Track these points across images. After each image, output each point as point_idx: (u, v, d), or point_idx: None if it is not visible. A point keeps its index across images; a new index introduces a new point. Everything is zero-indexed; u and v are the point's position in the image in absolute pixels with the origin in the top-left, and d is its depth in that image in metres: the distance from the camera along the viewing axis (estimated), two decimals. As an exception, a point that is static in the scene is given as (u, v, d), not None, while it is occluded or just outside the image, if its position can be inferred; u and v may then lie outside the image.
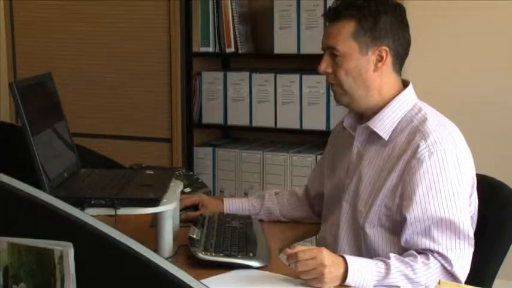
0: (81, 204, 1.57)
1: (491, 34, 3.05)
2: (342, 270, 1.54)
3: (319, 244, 1.89)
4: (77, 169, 1.90)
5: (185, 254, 1.69)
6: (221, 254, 1.63)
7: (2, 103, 3.64)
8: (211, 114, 3.29)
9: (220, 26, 3.23)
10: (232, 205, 2.03)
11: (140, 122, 3.42)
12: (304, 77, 3.08)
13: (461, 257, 1.60)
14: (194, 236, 1.70)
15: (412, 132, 1.67)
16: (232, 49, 3.22)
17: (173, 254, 1.70)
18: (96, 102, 3.49)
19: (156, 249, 1.67)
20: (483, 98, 3.07)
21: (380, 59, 1.69)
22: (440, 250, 1.59)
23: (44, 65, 3.32)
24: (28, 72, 3.22)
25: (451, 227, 1.60)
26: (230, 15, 3.20)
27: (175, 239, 1.74)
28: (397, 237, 1.66)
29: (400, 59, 1.73)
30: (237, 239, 1.73)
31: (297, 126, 3.13)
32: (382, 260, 1.59)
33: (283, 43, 3.11)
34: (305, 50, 3.06)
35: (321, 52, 1.75)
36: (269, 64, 3.29)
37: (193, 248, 1.65)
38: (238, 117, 3.24)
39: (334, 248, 1.76)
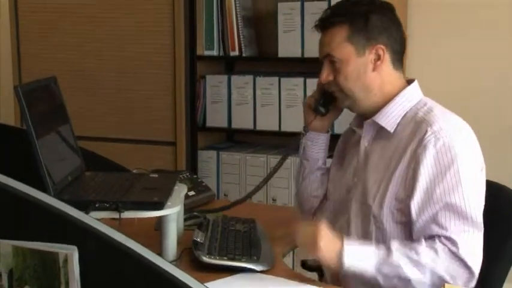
0: (85, 208, 1.57)
1: (492, 32, 3.05)
2: (338, 245, 1.57)
3: None
4: (81, 172, 1.91)
5: (189, 257, 1.69)
6: (225, 258, 1.63)
7: (7, 106, 3.65)
8: (215, 118, 3.30)
9: (224, 29, 3.23)
10: None
11: (144, 125, 3.42)
12: (308, 80, 3.08)
13: (469, 240, 1.58)
14: (198, 240, 1.70)
15: (418, 122, 1.68)
16: (237, 52, 3.22)
17: (177, 257, 1.70)
18: (101, 105, 3.49)
19: (160, 253, 1.67)
20: (483, 97, 3.07)
21: (378, 57, 1.71)
22: (447, 234, 1.58)
23: (49, 69, 3.33)
24: (33, 76, 3.23)
25: (457, 211, 1.59)
26: (234, 18, 3.20)
27: (179, 242, 1.74)
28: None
29: (397, 55, 1.75)
30: (240, 243, 1.73)
31: (301, 129, 3.12)
32: (396, 249, 1.59)
33: (287, 46, 3.11)
34: (309, 53, 3.06)
35: (325, 56, 1.78)
36: (273, 67, 3.30)
37: (197, 251, 1.65)
38: (242, 121, 3.24)
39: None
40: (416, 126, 1.67)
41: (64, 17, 3.51)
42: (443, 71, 3.15)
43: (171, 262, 1.36)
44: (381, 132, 1.74)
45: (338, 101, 1.78)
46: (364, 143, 1.77)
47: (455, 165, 1.61)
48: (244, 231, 1.83)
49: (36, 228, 1.14)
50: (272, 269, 1.63)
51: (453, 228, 1.59)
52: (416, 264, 1.56)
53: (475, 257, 1.59)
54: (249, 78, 3.22)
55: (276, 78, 3.16)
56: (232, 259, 1.63)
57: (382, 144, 1.73)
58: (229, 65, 3.46)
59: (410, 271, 1.56)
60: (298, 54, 3.09)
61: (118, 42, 3.43)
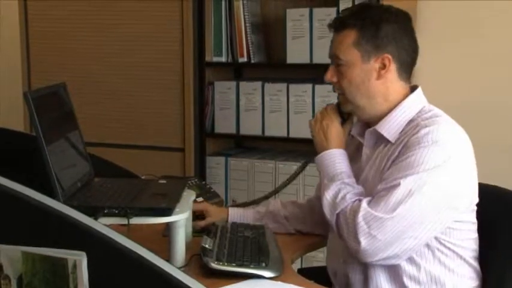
0: (94, 214, 1.57)
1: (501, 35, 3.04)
2: (327, 145, 1.77)
3: (329, 253, 1.88)
4: (90, 178, 1.91)
5: (198, 263, 1.69)
6: (233, 264, 1.63)
7: (16, 113, 3.67)
8: (224, 124, 3.30)
9: (232, 35, 3.24)
10: (237, 213, 2.03)
11: (153, 131, 3.43)
12: (317, 86, 3.08)
13: (377, 218, 1.57)
14: (207, 246, 1.70)
15: (416, 126, 1.66)
16: (245, 59, 3.22)
17: (186, 263, 1.70)
18: (110, 111, 3.51)
19: (168, 259, 1.67)
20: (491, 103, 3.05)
21: (383, 66, 1.70)
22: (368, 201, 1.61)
23: (58, 75, 3.34)
24: (42, 82, 3.25)
25: (391, 189, 1.58)
26: (243, 24, 3.21)
27: (187, 248, 1.74)
28: None
29: (406, 66, 1.73)
30: (249, 249, 1.73)
31: (309, 135, 3.11)
32: (347, 183, 1.69)
33: (296, 53, 3.11)
34: (318, 59, 3.06)
35: (333, 62, 1.79)
36: (281, 74, 3.30)
37: (205, 257, 1.65)
38: (250, 127, 3.24)
39: (345, 256, 1.75)
40: (414, 131, 1.66)
41: (73, 24, 3.53)
42: (451, 74, 3.13)
43: (179, 268, 1.36)
44: (381, 140, 1.73)
45: (341, 103, 1.79)
46: (366, 151, 1.76)
47: (428, 170, 1.57)
48: (252, 237, 1.83)
49: (45, 234, 1.14)
50: (281, 275, 1.63)
51: (378, 202, 1.58)
52: (333, 204, 1.65)
53: (373, 238, 1.57)
54: (257, 84, 3.22)
55: (285, 85, 3.16)
56: (241, 265, 1.62)
57: (382, 151, 1.73)
58: (237, 71, 3.46)
59: (327, 196, 1.67)
60: (307, 61, 3.09)
61: (127, 49, 3.44)
